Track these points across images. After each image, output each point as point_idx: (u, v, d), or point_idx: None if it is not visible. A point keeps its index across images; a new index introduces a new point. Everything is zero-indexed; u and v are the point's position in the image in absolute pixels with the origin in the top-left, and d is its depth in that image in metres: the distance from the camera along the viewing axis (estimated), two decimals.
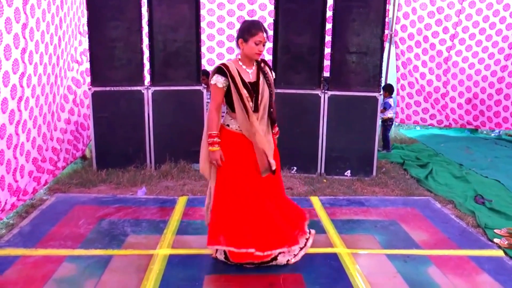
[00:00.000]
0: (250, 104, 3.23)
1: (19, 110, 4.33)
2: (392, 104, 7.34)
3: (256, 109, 3.27)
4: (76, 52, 6.30)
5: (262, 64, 3.37)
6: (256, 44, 3.17)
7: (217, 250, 3.45)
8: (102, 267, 3.38)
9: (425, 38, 8.46)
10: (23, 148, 4.48)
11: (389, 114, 7.30)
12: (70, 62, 6.00)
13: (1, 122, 3.95)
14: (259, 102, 3.28)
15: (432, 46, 8.45)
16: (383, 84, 6.89)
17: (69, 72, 6.10)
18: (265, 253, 3.28)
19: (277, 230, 3.34)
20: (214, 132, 3.25)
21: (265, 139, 3.29)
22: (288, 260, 3.44)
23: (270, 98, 3.34)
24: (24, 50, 4.37)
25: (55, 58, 5.31)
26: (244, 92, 3.20)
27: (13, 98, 4.18)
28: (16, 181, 4.34)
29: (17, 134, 4.31)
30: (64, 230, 4.02)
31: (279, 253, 3.39)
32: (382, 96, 5.88)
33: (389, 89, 7.35)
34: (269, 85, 3.33)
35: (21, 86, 4.34)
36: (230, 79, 3.18)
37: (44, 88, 4.98)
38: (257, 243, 3.26)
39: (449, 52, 8.51)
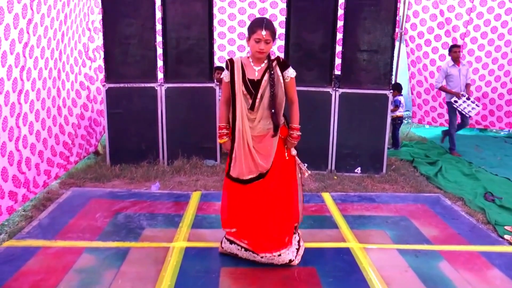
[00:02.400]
0: (248, 102, 3.21)
1: (19, 103, 4.39)
2: (403, 102, 7.38)
3: (252, 107, 3.21)
4: (87, 48, 6.38)
5: (274, 63, 3.23)
6: (256, 42, 3.09)
7: (222, 242, 3.55)
8: (121, 258, 3.47)
9: (437, 37, 8.42)
10: (26, 140, 4.56)
11: (399, 112, 7.35)
12: (78, 57, 6.06)
13: (3, 115, 4.04)
14: (257, 101, 3.20)
15: (445, 44, 8.38)
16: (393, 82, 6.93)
17: (83, 68, 6.18)
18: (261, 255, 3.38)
19: (268, 235, 3.34)
20: (222, 124, 3.35)
21: (250, 139, 3.23)
22: (291, 260, 3.42)
23: (273, 99, 3.19)
24: (26, 45, 4.43)
25: (57, 52, 5.36)
26: (242, 88, 3.19)
27: (14, 91, 4.24)
28: (23, 173, 4.41)
29: (18, 126, 4.36)
30: (82, 222, 4.11)
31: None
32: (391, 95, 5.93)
33: (397, 88, 7.39)
34: (272, 85, 3.18)
35: (21, 79, 4.41)
36: (230, 74, 3.23)
37: (46, 82, 5.04)
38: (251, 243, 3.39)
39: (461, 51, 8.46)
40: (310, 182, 5.50)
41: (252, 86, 3.20)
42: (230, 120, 3.32)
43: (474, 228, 4.29)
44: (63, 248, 3.61)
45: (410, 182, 5.58)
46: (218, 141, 3.35)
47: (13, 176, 4.19)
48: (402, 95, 7.42)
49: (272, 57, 3.30)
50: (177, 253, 3.57)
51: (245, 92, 3.20)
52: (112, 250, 3.61)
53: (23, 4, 4.26)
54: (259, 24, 3.09)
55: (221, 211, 3.50)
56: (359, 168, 5.87)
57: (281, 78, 3.23)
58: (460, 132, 8.79)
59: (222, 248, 3.54)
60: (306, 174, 3.53)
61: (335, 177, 5.70)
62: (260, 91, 3.19)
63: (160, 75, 6.11)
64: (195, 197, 4.81)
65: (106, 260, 3.44)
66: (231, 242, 3.49)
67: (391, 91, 5.81)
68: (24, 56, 4.43)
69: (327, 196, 4.97)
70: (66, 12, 5.50)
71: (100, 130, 6.67)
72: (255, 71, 3.21)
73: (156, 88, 5.80)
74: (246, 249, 3.42)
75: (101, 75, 6.43)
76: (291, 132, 3.37)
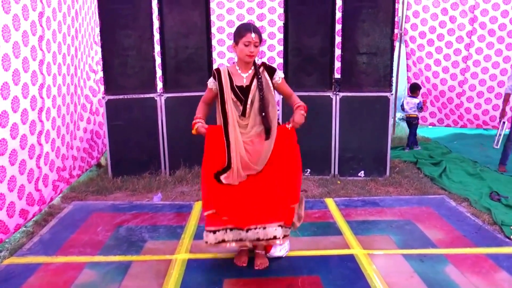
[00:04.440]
0: (239, 109, 3.23)
1: (41, 121, 4.42)
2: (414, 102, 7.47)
3: (243, 113, 3.24)
4: (94, 61, 6.42)
5: (261, 69, 3.30)
6: (246, 46, 3.13)
7: (204, 237, 3.41)
8: (122, 273, 3.43)
9: (440, 36, 8.28)
10: (48, 157, 4.59)
11: (413, 112, 7.44)
12: (88, 71, 6.10)
13: (21, 133, 4.04)
14: (247, 106, 3.22)
15: (449, 44, 8.25)
16: (394, 83, 6.93)
17: (87, 81, 6.22)
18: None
19: (257, 208, 3.29)
20: (197, 116, 3.39)
21: (241, 146, 3.21)
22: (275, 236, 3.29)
23: (262, 103, 3.21)
24: (41, 62, 4.45)
25: (73, 68, 5.41)
26: (232, 96, 3.21)
27: (33, 109, 4.27)
28: (38, 191, 4.42)
29: (40, 144, 4.41)
30: (83, 237, 4.08)
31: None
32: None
33: (417, 88, 7.51)
34: (260, 89, 3.21)
35: (41, 97, 4.44)
36: (217, 83, 3.24)
37: (65, 98, 5.09)
38: (234, 218, 3.31)
39: (468, 50, 8.27)
40: (314, 187, 5.46)
41: (241, 93, 3.22)
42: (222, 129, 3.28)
43: (480, 229, 4.23)
44: (64, 264, 3.58)
45: (414, 184, 5.53)
46: (192, 132, 3.34)
47: (28, 194, 4.21)
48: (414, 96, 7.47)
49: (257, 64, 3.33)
50: (179, 265, 3.54)
51: (234, 99, 3.21)
52: (113, 264, 3.58)
53: (31, 21, 4.27)
54: (247, 28, 3.16)
55: (202, 196, 3.44)
56: (362, 172, 5.82)
57: (269, 82, 3.28)
58: (464, 131, 8.74)
59: (206, 243, 3.38)
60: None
61: (339, 182, 5.65)
62: (250, 96, 3.21)
63: (160, 85, 6.10)
64: (197, 207, 4.78)
65: (108, 275, 3.41)
66: (214, 232, 3.33)
67: (392, 93, 5.76)
68: (42, 73, 4.45)
69: (330, 202, 4.92)
70: (76, 26, 5.54)
71: (103, 142, 6.67)
72: (243, 78, 3.25)
73: (156, 98, 5.79)
74: (231, 229, 3.31)
75: (102, 87, 6.45)
76: (298, 105, 3.37)
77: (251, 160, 3.22)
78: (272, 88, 3.30)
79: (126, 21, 5.68)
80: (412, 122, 7.50)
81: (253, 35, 3.11)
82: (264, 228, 3.27)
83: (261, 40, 3.20)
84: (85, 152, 6.03)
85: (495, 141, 6.44)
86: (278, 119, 3.35)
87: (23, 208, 4.12)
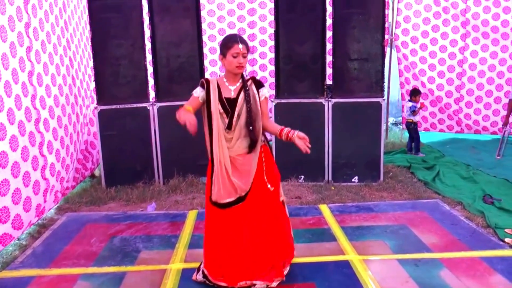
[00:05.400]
0: (225, 121, 3.13)
1: (39, 132, 4.42)
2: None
3: (229, 127, 3.15)
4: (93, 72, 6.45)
5: (249, 82, 3.23)
6: (234, 57, 3.05)
7: (196, 272, 3.42)
8: (117, 284, 3.41)
9: (433, 40, 8.23)
10: (54, 168, 4.58)
11: (411, 116, 7.49)
12: (89, 82, 6.09)
13: (21, 145, 4.05)
14: (234, 119, 3.14)
15: (443, 48, 8.21)
16: (386, 89, 6.96)
17: (88, 91, 6.24)
18: (238, 285, 3.23)
19: (250, 263, 3.20)
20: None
21: (227, 161, 3.13)
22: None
23: (250, 116, 3.12)
24: (31, 73, 4.44)
25: (70, 78, 5.40)
26: (219, 107, 3.12)
27: (28, 121, 4.27)
28: (45, 202, 4.43)
29: (42, 155, 4.43)
30: (77, 248, 4.06)
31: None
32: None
33: (416, 93, 7.54)
34: (248, 101, 3.12)
35: (35, 108, 4.44)
36: (205, 93, 3.15)
37: (65, 108, 5.11)
38: (228, 275, 3.23)
39: (463, 54, 8.22)
40: (308, 194, 5.46)
41: (229, 105, 3.14)
42: (207, 143, 3.22)
43: (474, 232, 4.24)
44: (57, 276, 3.55)
45: (408, 189, 5.54)
46: (181, 117, 2.92)
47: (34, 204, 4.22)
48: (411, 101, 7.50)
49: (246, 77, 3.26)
50: (174, 275, 3.52)
51: (221, 110, 3.13)
52: (108, 275, 3.56)
53: (18, 32, 4.26)
54: (234, 39, 3.09)
55: (204, 248, 3.36)
56: (356, 177, 5.83)
57: (257, 96, 3.19)
58: (456, 135, 8.73)
59: (196, 278, 3.39)
60: (281, 198, 3.41)
61: (333, 188, 5.65)
62: (237, 109, 3.14)
63: (152, 94, 6.09)
64: (191, 216, 4.77)
65: (102, 286, 3.38)
66: (205, 276, 3.33)
67: (384, 99, 5.79)
68: (32, 84, 4.44)
69: (324, 208, 4.92)
70: (66, 36, 5.52)
71: (97, 153, 6.64)
72: (230, 91, 3.18)
73: (148, 108, 5.78)
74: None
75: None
76: (285, 132, 3.19)
77: (237, 177, 3.14)
78: (258, 101, 3.19)
79: (118, 30, 5.68)
80: (408, 127, 7.55)
81: (240, 46, 3.04)
82: (254, 285, 3.22)
83: (248, 50, 3.13)
84: (79, 163, 6.00)
85: (498, 151, 6.22)
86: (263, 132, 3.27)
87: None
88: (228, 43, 3.08)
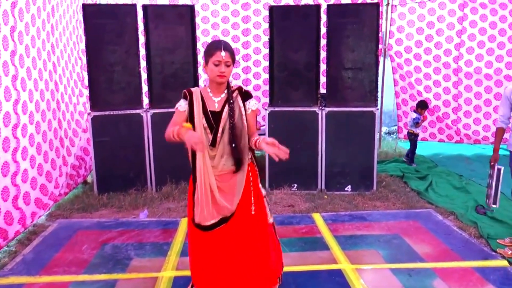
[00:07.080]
0: (209, 137, 2.88)
1: (15, 137, 4.35)
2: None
3: (213, 143, 2.89)
4: (82, 78, 6.40)
5: (235, 93, 2.95)
6: (216, 65, 2.77)
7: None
8: None
9: (427, 50, 8.22)
10: (27, 175, 4.50)
11: (409, 127, 7.51)
12: (74, 87, 6.04)
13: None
14: (218, 135, 2.87)
15: (437, 57, 8.20)
16: (379, 98, 6.96)
17: (80, 98, 6.18)
18: None
19: (235, 285, 3.01)
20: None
21: (212, 179, 2.89)
22: None
23: (232, 133, 2.86)
24: (15, 77, 4.39)
25: (52, 84, 5.35)
26: (203, 121, 2.86)
27: (6, 126, 4.20)
28: (19, 209, 4.34)
29: (15, 161, 4.33)
30: (68, 256, 4.02)
31: None
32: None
33: (423, 105, 7.50)
34: (231, 116, 2.85)
35: (16, 113, 4.37)
36: (188, 105, 2.90)
37: (45, 114, 5.02)
38: None
39: (457, 63, 8.18)
40: (301, 202, 5.44)
41: (213, 118, 2.88)
42: (190, 159, 2.96)
43: (467, 243, 4.25)
44: (47, 284, 3.51)
45: (401, 198, 5.54)
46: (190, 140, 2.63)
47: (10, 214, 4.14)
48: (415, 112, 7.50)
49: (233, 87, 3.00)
50: (166, 283, 3.50)
51: (205, 125, 2.87)
52: (99, 283, 3.52)
53: (3, 35, 4.23)
54: (217, 45, 2.82)
55: (190, 268, 3.16)
56: (349, 186, 5.83)
57: (242, 109, 2.93)
58: (450, 145, 8.74)
59: None
60: (271, 220, 3.17)
61: (326, 196, 5.65)
62: (221, 124, 2.87)
63: (146, 100, 6.07)
64: (184, 223, 4.73)
65: None
66: None
67: (377, 108, 5.81)
68: (16, 89, 4.39)
69: (317, 217, 4.91)
70: (52, 41, 5.48)
71: (90, 160, 6.59)
72: (214, 103, 2.91)
73: (142, 114, 5.76)
74: None
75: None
76: (252, 141, 2.89)
77: (223, 198, 2.91)
78: (245, 115, 2.93)
79: (112, 36, 5.66)
80: (408, 138, 7.56)
81: (223, 53, 2.77)
82: None
83: (234, 60, 2.87)
84: (74, 169, 5.95)
85: (491, 200, 4.49)
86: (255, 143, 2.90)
87: (2, 227, 4.03)
88: (211, 49, 2.82)
